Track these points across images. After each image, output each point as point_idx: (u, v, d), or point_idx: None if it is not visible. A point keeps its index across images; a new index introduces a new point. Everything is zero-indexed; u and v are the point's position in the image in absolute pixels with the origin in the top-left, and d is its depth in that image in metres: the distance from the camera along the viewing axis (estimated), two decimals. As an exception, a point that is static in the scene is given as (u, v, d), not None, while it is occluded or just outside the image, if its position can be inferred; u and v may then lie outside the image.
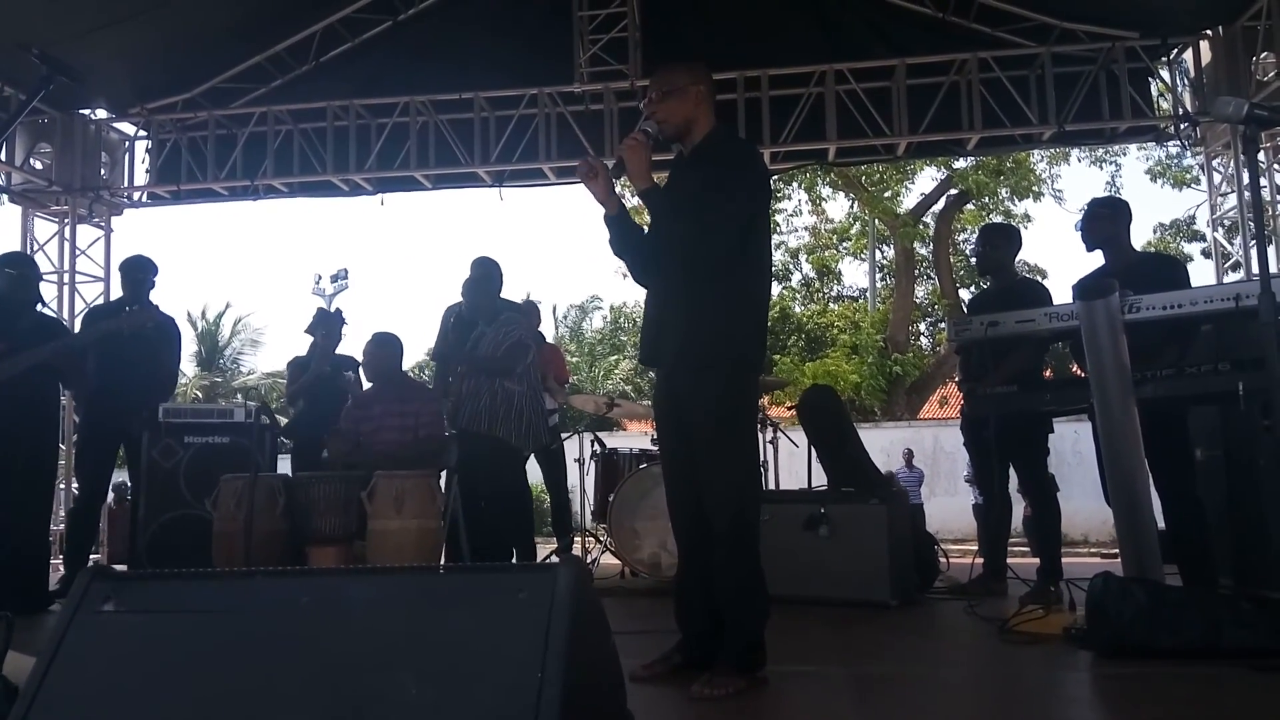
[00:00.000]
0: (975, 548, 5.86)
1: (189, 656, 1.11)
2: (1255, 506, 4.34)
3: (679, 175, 3.07)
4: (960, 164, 16.37)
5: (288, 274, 64.79)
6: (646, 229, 3.05)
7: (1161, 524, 3.89)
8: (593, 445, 6.30)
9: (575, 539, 6.58)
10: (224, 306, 28.44)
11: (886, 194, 18.49)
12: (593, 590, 1.26)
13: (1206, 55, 6.91)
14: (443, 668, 1.05)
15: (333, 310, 5.38)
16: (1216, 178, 7.49)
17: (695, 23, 7.49)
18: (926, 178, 19.21)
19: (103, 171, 8.05)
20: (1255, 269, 6.81)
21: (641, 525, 5.44)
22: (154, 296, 5.45)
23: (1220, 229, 7.52)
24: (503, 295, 5.37)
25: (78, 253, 8.12)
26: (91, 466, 5.45)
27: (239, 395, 26.85)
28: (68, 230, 8.08)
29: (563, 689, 1.03)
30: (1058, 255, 42.71)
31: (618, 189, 2.95)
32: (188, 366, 28.34)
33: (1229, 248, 7.42)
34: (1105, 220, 4.34)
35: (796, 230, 22.22)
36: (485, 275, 5.26)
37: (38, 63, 2.37)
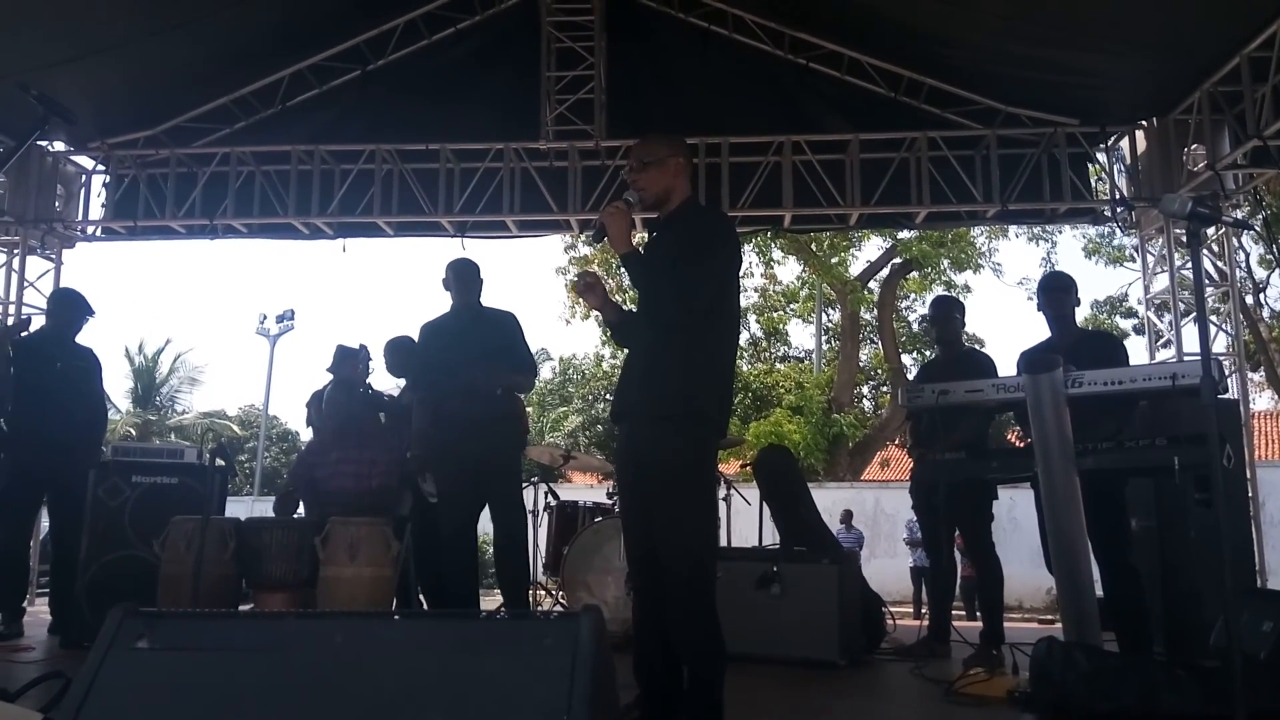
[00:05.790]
0: (912, 610, 5.96)
1: (222, 694, 1.12)
2: (1187, 577, 4.52)
3: (654, 241, 3.20)
4: (905, 234, 16.86)
5: (231, 313, 63.74)
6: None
7: (1100, 591, 4.05)
8: (546, 497, 6.31)
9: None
10: (163, 343, 27.76)
11: (834, 260, 18.93)
12: (607, 637, 1.32)
13: (1142, 144, 7.30)
14: (474, 708, 1.09)
15: (357, 347, 5.40)
16: (1150, 259, 7.84)
17: (660, 88, 7.70)
18: (873, 246, 19.74)
19: (57, 204, 7.95)
20: (1185, 347, 7.18)
21: (594, 579, 5.46)
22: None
23: (1152, 308, 7.87)
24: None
25: (26, 284, 7.96)
26: (14, 510, 5.38)
27: (173, 435, 26.14)
28: (16, 261, 7.93)
29: (588, 729, 1.07)
30: (993, 325, 43.98)
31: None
32: (121, 403, 27.61)
33: (1160, 325, 7.75)
34: (1072, 295, 4.58)
35: (746, 291, 22.53)
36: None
37: (35, 103, 2.40)
